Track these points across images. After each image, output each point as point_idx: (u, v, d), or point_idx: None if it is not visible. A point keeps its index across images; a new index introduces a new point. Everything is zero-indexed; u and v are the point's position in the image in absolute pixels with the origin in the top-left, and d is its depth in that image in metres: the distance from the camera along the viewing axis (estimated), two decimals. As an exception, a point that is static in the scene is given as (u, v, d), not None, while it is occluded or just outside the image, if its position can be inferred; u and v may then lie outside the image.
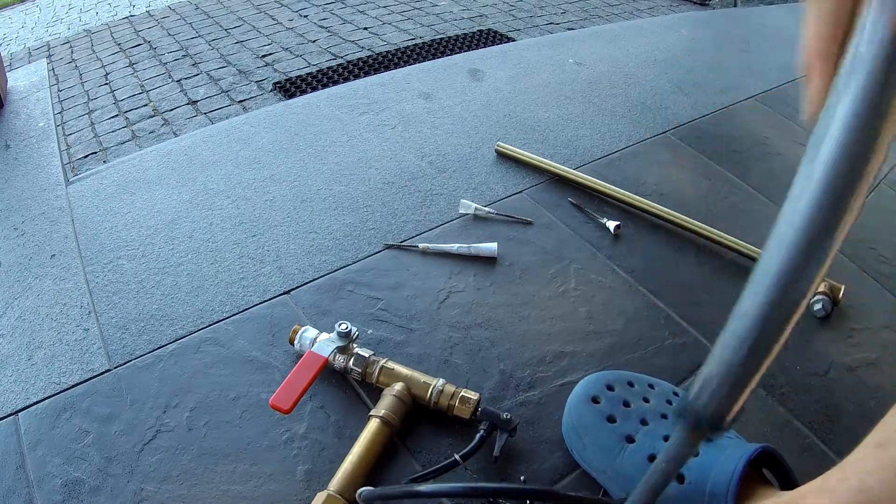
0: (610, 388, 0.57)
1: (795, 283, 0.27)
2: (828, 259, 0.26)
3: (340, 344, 0.60)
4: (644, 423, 0.54)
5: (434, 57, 1.75)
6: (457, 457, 0.53)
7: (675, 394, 0.59)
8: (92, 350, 0.65)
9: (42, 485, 0.53)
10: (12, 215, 0.85)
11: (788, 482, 0.48)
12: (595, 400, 0.56)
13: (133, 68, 1.88)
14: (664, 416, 0.55)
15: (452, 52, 1.89)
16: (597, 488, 0.56)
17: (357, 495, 0.50)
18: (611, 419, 0.55)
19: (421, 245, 0.79)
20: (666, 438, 0.52)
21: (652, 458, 0.51)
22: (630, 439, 0.53)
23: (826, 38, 0.22)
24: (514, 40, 1.98)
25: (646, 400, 0.57)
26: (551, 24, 2.23)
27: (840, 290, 0.79)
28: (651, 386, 0.59)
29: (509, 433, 0.56)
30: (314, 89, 1.63)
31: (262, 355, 0.65)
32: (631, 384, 0.58)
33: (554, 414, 0.61)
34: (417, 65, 1.30)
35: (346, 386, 0.63)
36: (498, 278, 0.77)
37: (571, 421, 0.57)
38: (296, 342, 0.63)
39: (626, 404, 0.56)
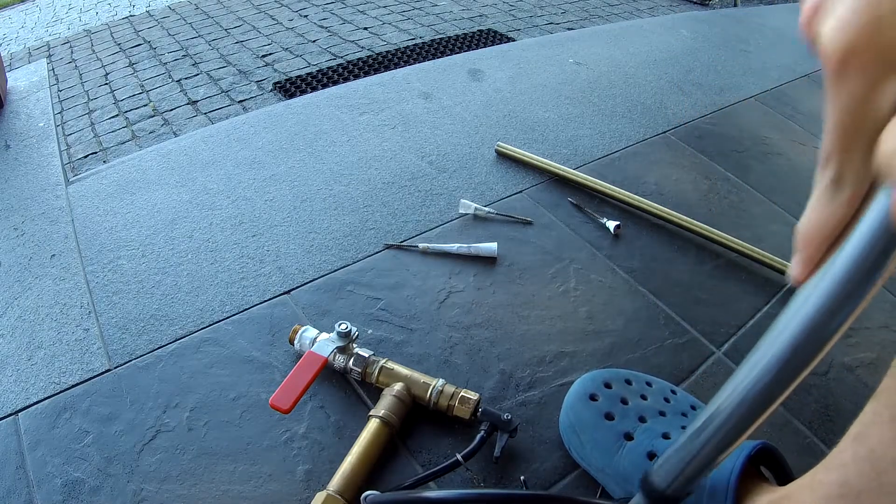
0: (608, 385, 0.57)
1: (750, 418, 0.30)
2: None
3: (340, 344, 0.60)
4: (642, 420, 0.54)
5: (434, 57, 1.75)
6: (458, 457, 0.53)
7: (673, 392, 0.59)
8: (92, 350, 0.65)
9: (42, 485, 0.53)
10: (12, 215, 0.85)
11: (787, 480, 0.48)
12: (593, 398, 0.56)
13: (133, 68, 1.87)
14: (662, 414, 0.55)
15: (452, 52, 1.89)
16: (595, 487, 0.56)
17: (362, 498, 0.50)
18: (609, 417, 0.55)
19: (421, 245, 0.79)
20: (664, 436, 0.52)
21: (650, 455, 0.51)
22: (628, 437, 0.53)
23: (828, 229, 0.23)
24: (514, 40, 1.98)
25: (643, 397, 0.57)
26: (551, 24, 2.23)
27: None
28: (649, 384, 0.59)
29: (510, 434, 0.56)
30: (314, 89, 1.63)
31: (262, 355, 0.65)
32: (629, 382, 0.58)
33: (554, 414, 0.61)
34: (417, 65, 1.30)
35: (346, 386, 0.63)
36: (498, 278, 0.77)
37: (569, 419, 0.57)
38: (296, 342, 0.63)
39: (624, 402, 0.56)
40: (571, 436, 0.56)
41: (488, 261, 0.79)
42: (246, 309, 0.70)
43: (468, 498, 0.49)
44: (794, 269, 0.25)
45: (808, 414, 0.65)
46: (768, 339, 0.27)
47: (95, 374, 0.63)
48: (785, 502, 0.42)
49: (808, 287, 0.24)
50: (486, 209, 0.86)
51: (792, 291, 0.26)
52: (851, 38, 0.19)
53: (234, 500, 0.53)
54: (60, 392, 0.61)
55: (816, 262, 0.24)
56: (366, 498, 0.49)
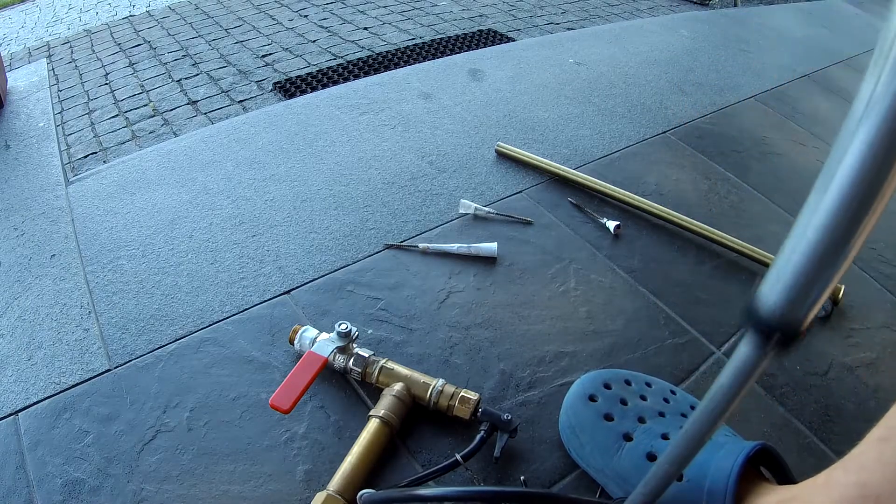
0: (607, 386, 0.57)
1: (885, 154, 0.23)
2: None
3: (340, 344, 0.60)
4: (641, 421, 0.54)
5: (434, 57, 1.75)
6: (458, 457, 0.53)
7: (673, 392, 0.59)
8: (92, 350, 0.65)
9: (42, 485, 0.53)
10: (12, 215, 0.85)
11: (786, 480, 0.48)
12: (592, 398, 0.56)
13: (133, 68, 1.87)
14: (662, 414, 0.55)
15: (452, 52, 1.89)
16: (595, 487, 0.56)
17: (357, 498, 0.50)
18: (608, 417, 0.55)
19: (421, 245, 0.79)
20: (664, 436, 0.52)
21: (650, 456, 0.51)
22: (628, 437, 0.53)
23: None
24: (514, 40, 1.98)
25: (643, 398, 0.57)
26: (551, 24, 2.23)
27: (840, 290, 0.79)
28: (648, 384, 0.59)
29: (510, 434, 0.56)
30: (314, 89, 1.63)
31: (262, 355, 0.65)
32: (628, 382, 0.58)
33: (554, 414, 0.61)
34: (417, 65, 1.30)
35: (346, 386, 0.63)
36: (498, 278, 0.77)
37: (568, 420, 0.57)
38: (296, 342, 0.63)
39: (624, 402, 0.56)
40: (571, 436, 0.56)
41: (488, 261, 0.79)
42: (246, 309, 0.70)
43: (462, 495, 0.49)
44: None
45: (808, 414, 0.65)
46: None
47: (95, 374, 0.63)
48: (796, 502, 0.42)
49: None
50: (486, 209, 0.86)
51: None
52: None
53: (234, 500, 0.53)
54: (60, 392, 0.61)
55: None
56: (361, 497, 0.49)
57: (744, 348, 0.28)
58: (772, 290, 0.26)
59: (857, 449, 0.38)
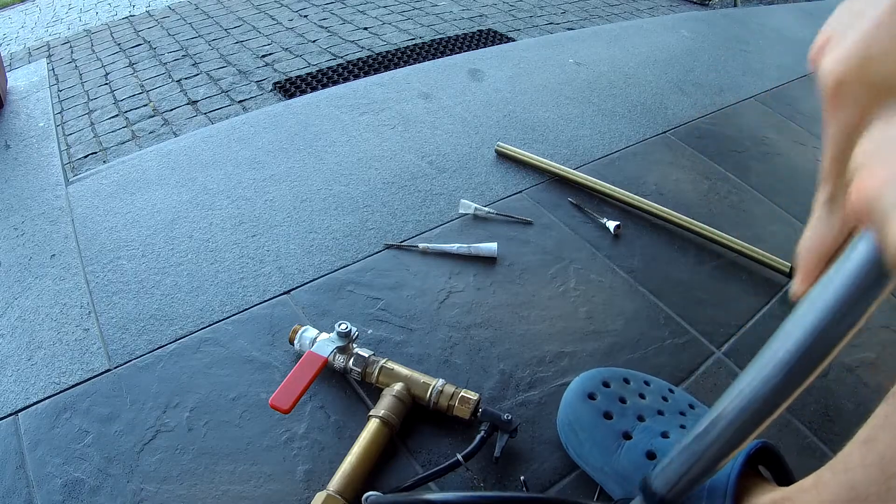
0: (606, 384, 0.57)
1: (760, 417, 0.30)
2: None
3: (340, 344, 0.60)
4: (640, 419, 0.54)
5: (434, 57, 1.75)
6: (459, 457, 0.53)
7: (671, 391, 0.59)
8: (92, 350, 0.65)
9: (42, 485, 0.53)
10: (12, 215, 0.85)
11: (786, 479, 0.48)
12: (591, 397, 0.56)
13: (133, 68, 1.87)
14: (660, 413, 0.55)
15: (452, 52, 1.89)
16: (595, 486, 0.56)
17: (363, 499, 0.50)
18: (607, 416, 0.55)
19: (421, 245, 0.79)
20: (663, 435, 0.52)
21: (649, 454, 0.51)
22: (626, 436, 0.53)
23: (824, 247, 0.25)
24: (514, 40, 1.98)
25: (642, 396, 0.57)
26: (551, 24, 2.23)
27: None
28: (647, 383, 0.59)
29: (510, 434, 0.56)
30: (314, 89, 1.63)
31: (261, 355, 0.65)
32: (626, 381, 0.58)
33: (554, 414, 0.61)
34: (417, 65, 1.30)
35: (346, 386, 0.63)
36: (498, 278, 0.77)
37: (567, 418, 0.57)
38: (296, 342, 0.63)
39: (622, 401, 0.56)
40: (570, 435, 0.56)
41: (488, 261, 0.79)
42: (246, 309, 0.70)
43: (469, 500, 0.49)
44: (795, 283, 0.27)
45: (808, 414, 0.65)
46: (772, 346, 0.27)
47: (95, 374, 0.63)
48: (786, 503, 0.42)
49: (809, 298, 0.25)
50: (486, 209, 0.86)
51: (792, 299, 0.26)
52: (844, 70, 0.21)
53: (234, 500, 0.53)
54: (60, 392, 0.61)
55: (815, 277, 0.25)
56: (367, 499, 0.49)
57: None
58: (661, 476, 0.38)
59: (844, 450, 0.38)
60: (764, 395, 0.28)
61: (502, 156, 0.99)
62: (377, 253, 0.79)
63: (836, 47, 0.22)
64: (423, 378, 0.60)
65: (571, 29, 2.16)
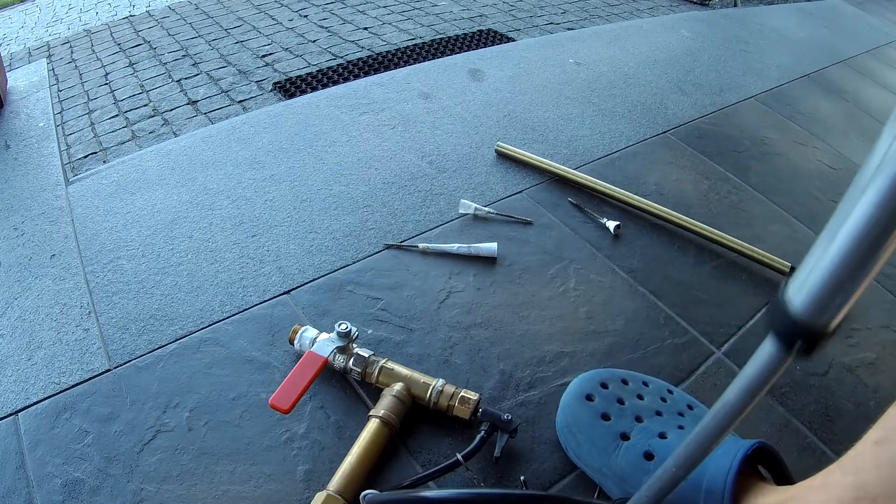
0: (604, 385, 0.57)
1: None
2: None
3: (340, 344, 0.60)
4: (639, 420, 0.54)
5: (434, 57, 1.75)
6: (459, 457, 0.53)
7: (670, 391, 0.59)
8: (92, 350, 0.65)
9: (42, 485, 0.53)
10: (12, 215, 0.85)
11: (785, 479, 0.48)
12: (589, 398, 0.56)
13: (133, 68, 1.87)
14: (659, 413, 0.55)
15: (452, 52, 1.89)
16: (594, 488, 0.56)
17: (361, 498, 0.50)
18: (605, 417, 0.55)
19: (421, 245, 0.79)
20: (661, 435, 0.52)
21: (647, 455, 0.51)
22: (625, 437, 0.53)
23: None
24: (514, 40, 1.98)
25: (640, 397, 0.57)
26: (551, 24, 2.23)
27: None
28: (645, 383, 0.59)
29: (510, 434, 0.56)
30: (314, 89, 1.63)
31: (261, 355, 0.65)
32: (625, 382, 0.58)
33: (554, 414, 0.61)
34: (417, 65, 1.30)
35: (346, 386, 0.63)
36: (498, 278, 0.77)
37: (566, 419, 0.57)
38: (296, 342, 0.63)
39: (621, 402, 0.56)
40: (568, 436, 0.56)
41: (488, 261, 0.79)
42: (246, 309, 0.70)
43: (466, 497, 0.49)
44: None
45: (808, 414, 0.65)
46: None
47: (95, 374, 0.63)
48: (793, 503, 0.42)
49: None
50: (486, 209, 0.86)
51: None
52: None
53: (234, 500, 0.53)
54: (60, 392, 0.61)
55: None
56: (364, 497, 0.50)
57: (766, 351, 0.27)
58: (797, 295, 0.25)
59: (854, 450, 0.38)
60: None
61: (502, 156, 0.99)
62: (377, 253, 0.79)
63: None
64: (423, 378, 0.60)
65: (571, 29, 2.16)
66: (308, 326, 0.64)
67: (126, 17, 2.43)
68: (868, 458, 0.36)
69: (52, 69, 1.94)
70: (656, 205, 0.88)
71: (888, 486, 0.34)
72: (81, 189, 0.89)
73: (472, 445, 0.54)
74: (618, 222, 0.85)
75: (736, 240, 0.84)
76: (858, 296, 0.25)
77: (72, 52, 2.11)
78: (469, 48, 1.93)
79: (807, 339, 0.25)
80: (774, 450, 0.48)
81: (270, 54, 1.88)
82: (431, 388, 0.58)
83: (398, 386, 0.59)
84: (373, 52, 1.89)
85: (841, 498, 0.37)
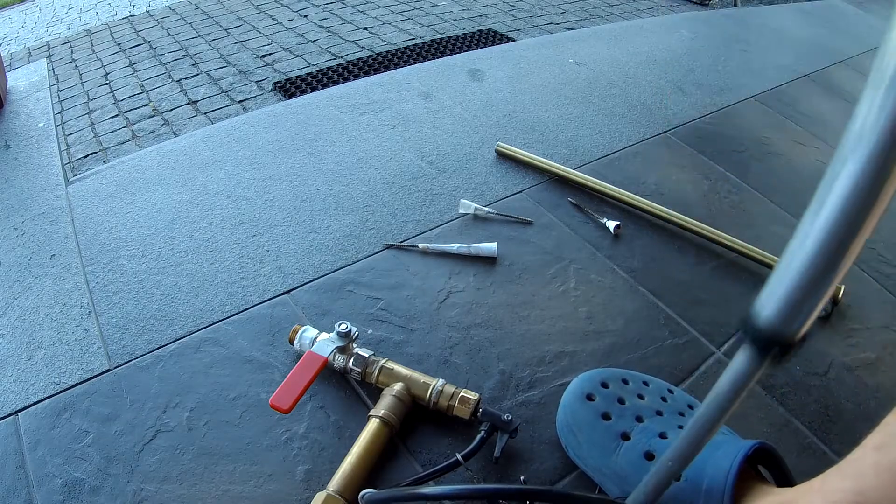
0: (604, 385, 0.57)
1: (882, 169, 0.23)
2: None
3: (340, 344, 0.60)
4: (639, 420, 0.54)
5: (434, 57, 1.75)
6: (458, 457, 0.53)
7: (670, 391, 0.59)
8: (92, 350, 0.65)
9: (42, 485, 0.53)
10: (12, 215, 0.85)
11: (785, 479, 0.48)
12: (589, 397, 0.56)
13: (133, 68, 1.87)
14: (659, 413, 0.55)
15: (452, 52, 1.89)
16: (594, 488, 0.56)
17: (360, 497, 0.50)
18: (605, 416, 0.55)
19: (421, 245, 0.79)
20: (661, 435, 0.52)
21: (648, 455, 0.51)
22: (625, 437, 0.53)
23: None
24: (514, 40, 1.98)
25: (640, 397, 0.57)
26: (551, 24, 2.23)
27: (840, 290, 0.79)
28: (646, 383, 0.59)
29: (510, 434, 0.56)
30: (314, 89, 1.63)
31: (262, 355, 0.65)
32: (625, 381, 0.58)
33: (554, 414, 0.61)
34: (417, 65, 1.30)
35: (346, 386, 0.63)
36: (498, 278, 0.77)
37: (566, 419, 0.57)
38: (296, 342, 0.63)
39: (621, 401, 0.56)
40: (568, 436, 0.56)
41: (488, 261, 0.79)
42: (246, 309, 0.70)
43: (463, 493, 0.49)
44: None
45: (808, 414, 0.65)
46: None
47: (95, 374, 0.63)
48: None
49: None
50: (486, 209, 0.86)
51: None
52: None
53: (234, 500, 0.53)
54: (60, 392, 0.61)
55: None
56: (363, 496, 0.50)
57: (741, 358, 0.28)
58: (767, 304, 0.27)
59: (854, 455, 0.38)
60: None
61: (502, 156, 0.99)
62: (377, 253, 0.79)
63: None
64: (423, 378, 0.60)
65: (571, 29, 2.16)
66: (308, 326, 0.64)
67: (126, 17, 2.43)
68: (867, 463, 0.36)
69: (52, 69, 1.94)
70: (656, 205, 0.88)
71: (888, 493, 0.34)
72: (81, 189, 0.89)
73: (471, 445, 0.54)
74: (618, 222, 0.85)
75: (736, 240, 0.84)
76: (826, 300, 0.26)
77: (72, 52, 2.11)
78: (469, 48, 1.93)
79: (779, 346, 0.26)
80: (775, 450, 0.48)
81: (270, 54, 1.88)
82: (431, 387, 0.58)
83: (398, 386, 0.59)
84: (373, 52, 1.89)
85: (839, 503, 0.37)
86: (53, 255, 0.78)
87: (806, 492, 0.41)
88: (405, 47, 1.92)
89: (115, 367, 0.64)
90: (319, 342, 0.60)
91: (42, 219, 0.84)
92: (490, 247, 0.79)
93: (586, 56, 1.37)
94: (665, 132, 1.12)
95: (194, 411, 0.60)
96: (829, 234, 0.25)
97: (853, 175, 0.23)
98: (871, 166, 0.23)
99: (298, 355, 0.64)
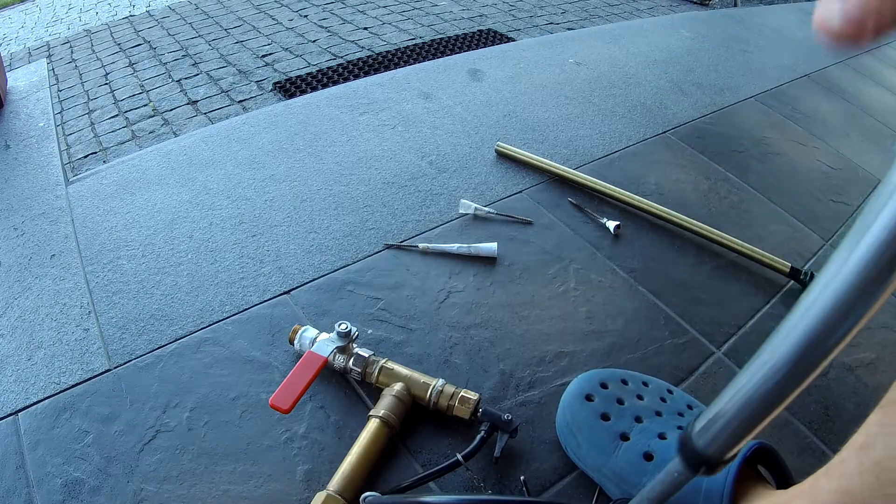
0: (604, 385, 0.57)
1: (829, 335, 0.26)
2: (866, 316, 0.26)
3: (340, 344, 0.60)
4: (638, 420, 0.54)
5: (434, 57, 1.75)
6: (459, 457, 0.53)
7: (669, 391, 0.59)
8: (92, 350, 0.65)
9: (42, 485, 0.53)
10: (12, 215, 0.85)
11: (785, 479, 0.48)
12: (589, 398, 0.56)
13: (133, 68, 1.87)
14: (658, 414, 0.55)
15: (452, 52, 1.89)
16: (594, 487, 0.56)
17: (361, 500, 0.50)
18: (605, 417, 0.55)
19: (421, 245, 0.79)
20: (660, 436, 0.52)
21: (647, 455, 0.51)
22: (624, 437, 0.53)
23: None
24: (514, 40, 1.98)
25: (640, 397, 0.57)
26: (551, 24, 2.23)
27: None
28: (645, 383, 0.59)
29: (510, 434, 0.56)
30: (314, 89, 1.63)
31: (262, 355, 0.65)
32: (625, 382, 0.58)
33: (554, 414, 0.61)
34: (417, 65, 1.30)
35: (346, 386, 0.63)
36: (498, 278, 0.77)
37: (565, 419, 0.57)
38: (296, 342, 0.63)
39: (620, 402, 0.56)
40: (568, 436, 0.56)
41: (488, 261, 0.79)
42: (246, 309, 0.70)
43: (466, 503, 0.49)
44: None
45: (808, 414, 0.65)
46: (773, 342, 0.26)
47: (95, 374, 0.63)
48: None
49: (815, 288, 0.24)
50: (486, 209, 0.86)
51: (794, 293, 0.25)
52: None
53: (234, 500, 0.53)
54: (60, 392, 0.61)
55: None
56: (365, 499, 0.49)
57: (674, 468, 0.32)
58: (704, 433, 0.30)
59: (840, 455, 0.38)
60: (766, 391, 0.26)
61: (502, 156, 0.99)
62: (377, 253, 0.79)
63: None
64: (423, 378, 0.60)
65: (571, 29, 2.16)
66: (308, 326, 0.64)
67: (126, 17, 2.43)
68: (852, 463, 0.36)
69: (52, 69, 1.94)
70: (656, 205, 0.88)
71: (872, 492, 0.35)
72: (81, 189, 0.89)
73: (472, 445, 0.54)
74: (618, 222, 0.85)
75: (736, 240, 0.84)
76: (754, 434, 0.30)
77: (72, 52, 2.11)
78: (469, 48, 1.93)
79: (708, 466, 0.30)
80: (774, 450, 0.48)
81: (270, 54, 1.88)
82: (431, 388, 0.58)
83: (398, 386, 0.59)
84: (373, 52, 1.89)
85: (826, 503, 0.37)
86: (53, 255, 0.78)
87: (796, 494, 0.41)
88: (405, 47, 1.92)
89: (115, 367, 0.64)
90: (319, 342, 0.60)
91: (42, 219, 0.84)
92: (490, 247, 0.79)
93: (586, 56, 1.37)
94: (665, 132, 1.12)
95: (194, 411, 0.60)
96: (773, 383, 0.27)
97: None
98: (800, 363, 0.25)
99: (298, 355, 0.64)
